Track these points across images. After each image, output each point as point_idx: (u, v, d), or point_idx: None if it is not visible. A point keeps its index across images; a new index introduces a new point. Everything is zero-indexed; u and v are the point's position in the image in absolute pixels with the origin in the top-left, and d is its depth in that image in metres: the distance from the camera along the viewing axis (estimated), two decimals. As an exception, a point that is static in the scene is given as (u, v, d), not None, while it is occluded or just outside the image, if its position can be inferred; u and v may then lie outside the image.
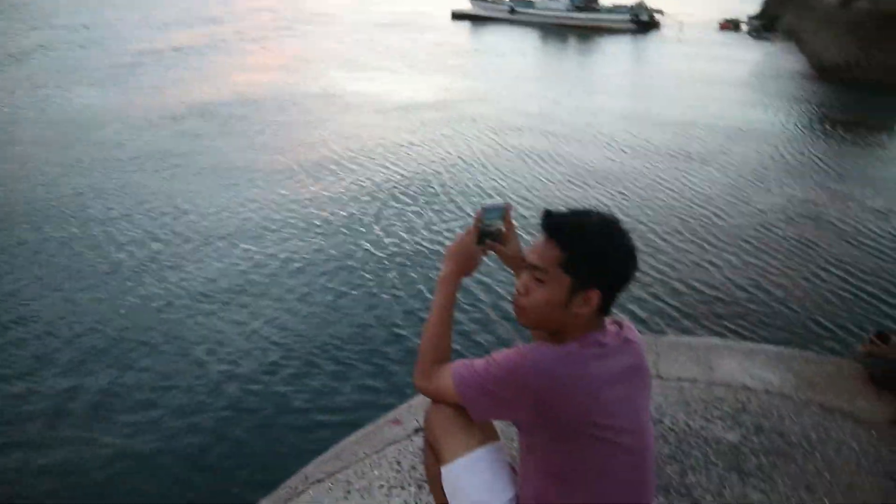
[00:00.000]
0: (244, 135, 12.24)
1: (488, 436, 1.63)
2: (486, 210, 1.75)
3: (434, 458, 1.66)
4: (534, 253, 1.46)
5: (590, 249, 1.41)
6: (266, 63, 20.49)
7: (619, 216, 1.48)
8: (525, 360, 1.39)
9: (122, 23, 26.51)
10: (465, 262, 1.70)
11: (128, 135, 11.91)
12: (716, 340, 3.27)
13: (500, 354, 1.45)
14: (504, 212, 1.77)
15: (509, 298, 5.69)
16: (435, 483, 1.69)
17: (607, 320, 1.49)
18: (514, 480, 1.60)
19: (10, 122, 12.72)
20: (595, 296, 1.41)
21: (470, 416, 1.55)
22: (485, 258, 1.77)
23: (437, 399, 1.62)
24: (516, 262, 1.78)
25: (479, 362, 1.49)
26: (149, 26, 25.95)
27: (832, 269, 7.15)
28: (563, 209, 1.49)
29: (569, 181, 9.93)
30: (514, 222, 1.80)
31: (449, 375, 1.54)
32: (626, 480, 1.43)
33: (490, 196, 8.96)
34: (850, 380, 2.84)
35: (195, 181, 9.64)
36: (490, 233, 1.75)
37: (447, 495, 1.62)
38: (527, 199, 9.08)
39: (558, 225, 1.45)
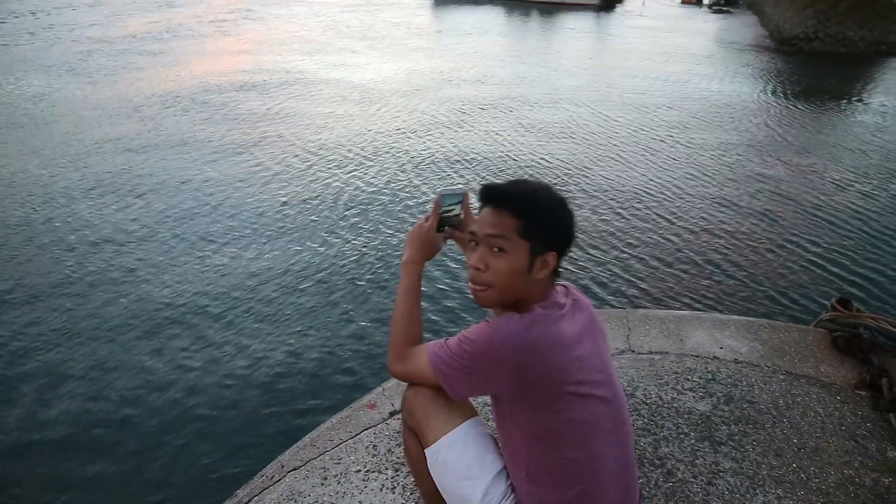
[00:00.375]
0: (207, 122, 11.98)
1: (468, 412, 1.65)
2: (445, 196, 1.76)
3: (415, 441, 1.66)
4: (488, 226, 1.48)
5: (544, 214, 1.47)
6: (226, 48, 20.03)
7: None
8: (499, 332, 1.41)
9: (74, 9, 25.64)
10: (425, 248, 1.72)
11: (84, 126, 11.56)
12: (686, 313, 3.31)
13: (472, 331, 1.46)
14: (463, 198, 1.78)
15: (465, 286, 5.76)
16: (418, 467, 1.68)
17: (557, 285, 1.56)
18: (499, 452, 1.61)
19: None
20: (552, 258, 1.48)
21: (448, 395, 1.56)
22: (444, 244, 1.78)
23: (413, 382, 1.63)
24: None
25: (452, 341, 1.50)
26: (102, 12, 25.14)
27: (795, 240, 7.31)
28: (497, 181, 1.55)
29: (531, 161, 9.92)
30: (472, 208, 1.80)
31: (424, 356, 1.55)
32: (609, 430, 1.48)
33: (452, 181, 8.93)
34: (815, 346, 2.91)
35: (155, 171, 9.41)
36: (449, 219, 1.76)
37: (435, 476, 1.62)
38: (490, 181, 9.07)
39: (508, 194, 1.49)
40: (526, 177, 1.53)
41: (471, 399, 1.72)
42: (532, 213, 1.46)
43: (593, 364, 1.47)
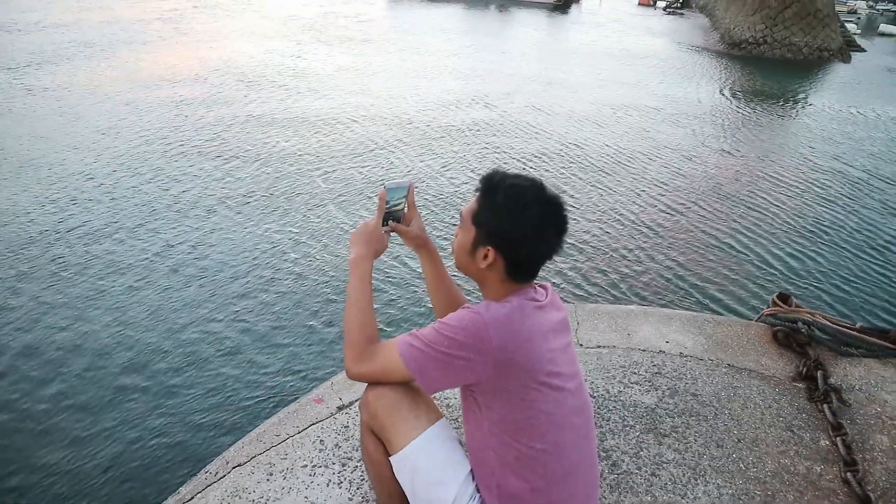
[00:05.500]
0: (153, 118, 11.62)
1: (434, 414, 1.63)
2: (391, 190, 1.72)
3: (376, 445, 1.62)
4: (470, 202, 1.58)
5: (497, 211, 1.49)
6: (167, 42, 19.44)
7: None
8: (480, 317, 1.42)
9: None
10: (372, 245, 1.69)
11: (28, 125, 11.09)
12: (634, 307, 3.37)
13: (451, 318, 1.46)
14: (408, 191, 1.75)
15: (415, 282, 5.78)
16: (379, 471, 1.64)
17: (535, 283, 1.57)
18: (465, 454, 1.61)
19: None
20: (490, 253, 1.49)
21: (421, 389, 1.55)
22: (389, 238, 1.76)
23: (377, 380, 1.58)
24: (419, 242, 1.81)
25: (425, 332, 1.48)
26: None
27: (738, 238, 7.55)
28: (508, 171, 1.56)
29: (478, 162, 9.91)
30: (416, 200, 1.80)
31: (393, 351, 1.50)
32: (576, 423, 1.51)
33: (394, 175, 8.89)
34: (757, 340, 3.00)
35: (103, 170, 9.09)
36: (393, 213, 1.73)
37: (404, 482, 1.59)
38: (432, 179, 9.06)
39: (485, 180, 1.54)
40: (534, 177, 1.54)
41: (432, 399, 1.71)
42: (488, 206, 1.51)
43: (565, 358, 1.51)
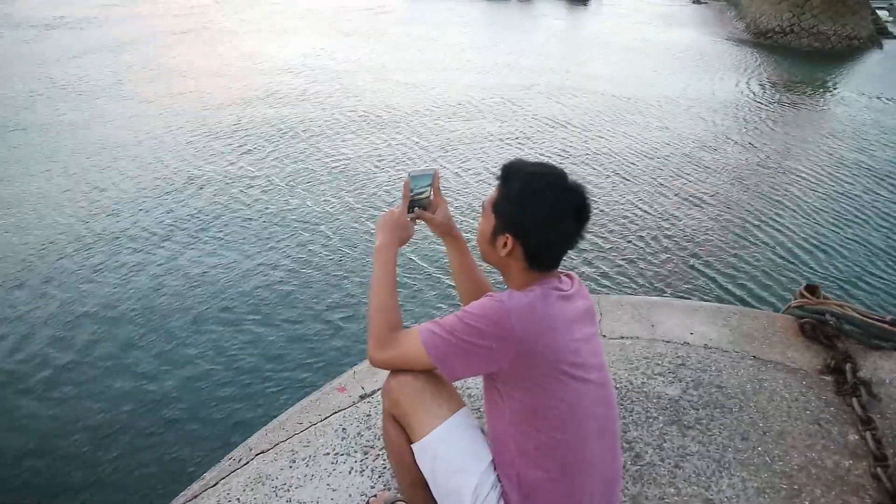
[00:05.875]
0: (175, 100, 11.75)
1: (456, 403, 1.63)
2: (415, 178, 1.73)
3: (398, 432, 1.62)
4: (492, 191, 1.59)
5: (514, 199, 1.50)
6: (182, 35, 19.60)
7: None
8: (503, 305, 1.42)
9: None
10: (397, 233, 1.70)
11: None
12: (657, 298, 3.35)
13: (474, 306, 1.46)
14: (432, 179, 1.75)
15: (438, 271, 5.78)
16: (401, 458, 1.64)
17: (560, 272, 1.57)
18: (487, 443, 1.60)
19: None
20: (509, 241, 1.49)
21: (444, 377, 1.55)
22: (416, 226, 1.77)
23: (399, 368, 1.58)
24: (444, 229, 1.81)
25: (448, 320, 1.48)
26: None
27: (765, 229, 7.42)
28: (528, 160, 1.57)
29: (501, 152, 9.85)
30: (441, 188, 1.80)
31: (415, 339, 1.51)
32: (599, 414, 1.50)
33: (417, 164, 8.87)
34: (783, 332, 2.95)
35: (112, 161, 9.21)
36: (418, 201, 1.74)
37: (425, 469, 1.59)
38: (461, 169, 9.05)
39: (504, 169, 1.55)
40: (552, 163, 1.55)
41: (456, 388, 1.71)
42: (505, 194, 1.52)
43: (590, 349, 1.50)
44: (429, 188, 1.75)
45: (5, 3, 21.17)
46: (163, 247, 6.49)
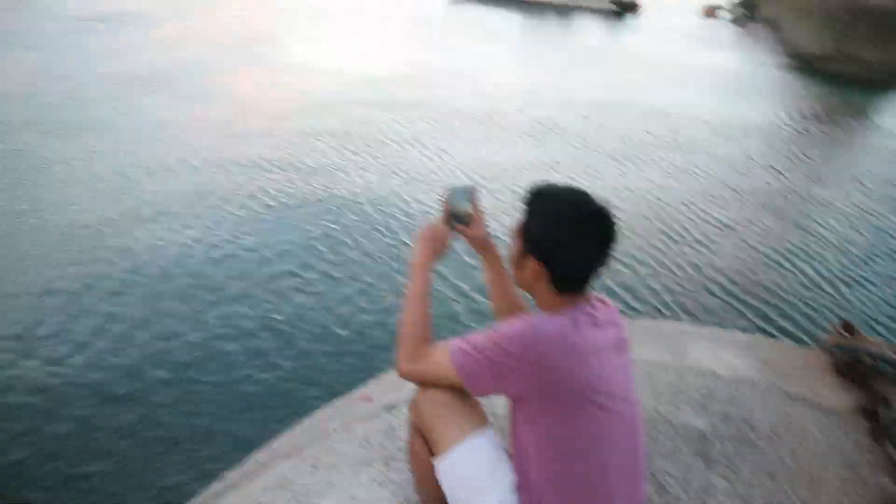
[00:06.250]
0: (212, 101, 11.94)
1: (481, 420, 1.62)
2: (454, 192, 1.75)
3: (422, 445, 1.63)
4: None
5: (532, 220, 1.53)
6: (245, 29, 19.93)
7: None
8: (533, 329, 1.42)
9: None
10: (435, 247, 1.71)
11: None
12: (687, 326, 3.30)
13: (504, 326, 1.47)
14: (471, 194, 1.77)
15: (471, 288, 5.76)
16: (423, 471, 1.65)
17: (593, 297, 1.55)
18: (510, 464, 1.59)
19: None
20: (534, 264, 1.50)
21: (470, 392, 1.55)
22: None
23: (427, 381, 1.59)
24: (483, 245, 1.82)
25: (478, 338, 1.49)
26: None
27: (801, 262, 7.27)
28: (554, 183, 1.58)
29: (535, 171, 9.74)
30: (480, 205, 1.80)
31: (444, 353, 1.52)
32: (624, 447, 1.48)
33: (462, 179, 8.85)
34: (816, 369, 2.89)
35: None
36: (459, 215, 1.75)
37: (445, 485, 1.59)
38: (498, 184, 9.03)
39: (530, 192, 1.57)
40: (580, 188, 1.57)
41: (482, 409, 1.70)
42: (529, 216, 1.54)
43: (618, 378, 1.48)
44: (467, 203, 1.76)
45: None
46: (218, 237, 6.57)
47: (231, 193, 7.78)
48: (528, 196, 1.57)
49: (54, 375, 4.60)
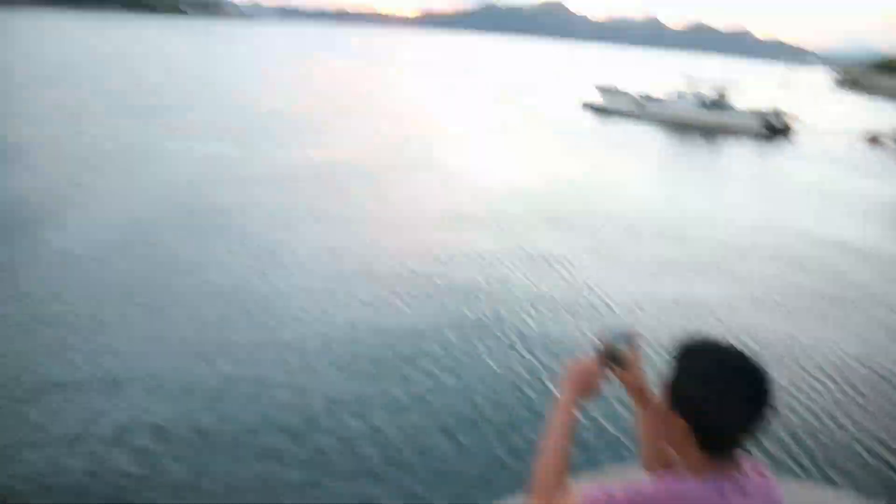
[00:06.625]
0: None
1: None
2: (612, 333, 1.73)
3: None
4: None
5: (678, 375, 1.48)
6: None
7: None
8: (674, 492, 1.39)
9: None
10: (586, 386, 1.69)
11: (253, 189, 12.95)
12: (834, 491, 3.14)
13: (645, 486, 1.43)
14: (629, 338, 1.74)
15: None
16: None
17: (746, 463, 1.48)
18: None
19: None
20: (680, 422, 1.44)
21: None
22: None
23: None
24: (637, 391, 1.78)
25: (616, 493, 1.44)
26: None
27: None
28: (708, 338, 1.51)
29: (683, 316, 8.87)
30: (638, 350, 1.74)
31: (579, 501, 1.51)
32: None
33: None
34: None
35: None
36: (616, 356, 1.71)
37: None
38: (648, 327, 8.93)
39: (680, 346, 1.52)
40: (734, 345, 1.59)
41: None
42: (677, 371, 1.49)
43: None
44: (625, 345, 1.73)
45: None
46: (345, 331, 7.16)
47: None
48: (678, 350, 1.54)
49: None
